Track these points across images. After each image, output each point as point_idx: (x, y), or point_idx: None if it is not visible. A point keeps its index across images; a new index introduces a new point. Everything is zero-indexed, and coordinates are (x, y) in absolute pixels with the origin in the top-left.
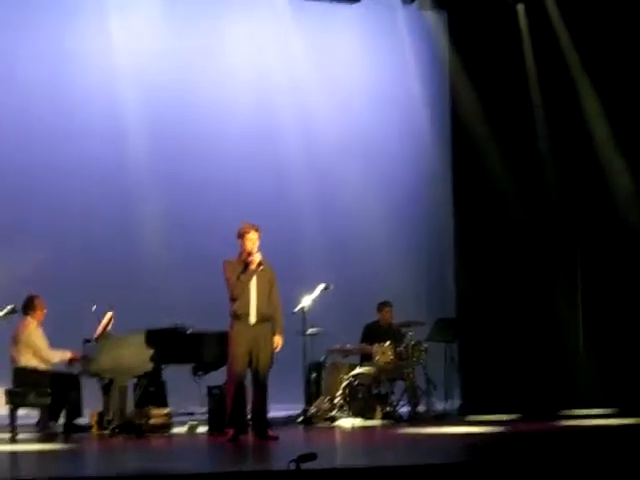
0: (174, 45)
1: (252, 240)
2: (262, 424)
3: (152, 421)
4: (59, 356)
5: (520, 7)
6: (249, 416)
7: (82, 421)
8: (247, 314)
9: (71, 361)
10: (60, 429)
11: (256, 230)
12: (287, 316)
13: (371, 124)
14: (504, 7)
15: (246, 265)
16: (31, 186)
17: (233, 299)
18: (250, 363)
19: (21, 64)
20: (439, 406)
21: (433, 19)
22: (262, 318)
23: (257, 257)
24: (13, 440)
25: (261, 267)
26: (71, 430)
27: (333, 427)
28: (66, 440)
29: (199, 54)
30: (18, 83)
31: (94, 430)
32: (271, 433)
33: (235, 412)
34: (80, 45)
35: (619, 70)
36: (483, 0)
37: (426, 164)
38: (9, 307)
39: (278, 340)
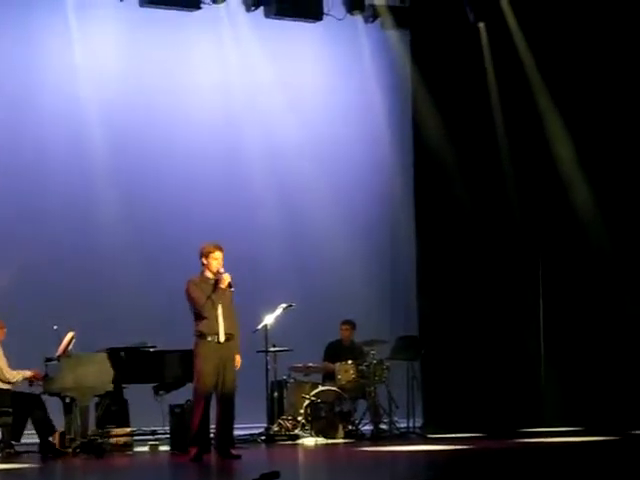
0: (136, 62)
1: (218, 259)
2: (226, 443)
3: (114, 440)
4: (20, 375)
5: (481, 25)
6: (212, 434)
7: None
8: (216, 333)
9: (32, 380)
10: (22, 448)
11: (220, 249)
12: (249, 334)
13: (334, 142)
14: (466, 25)
15: (215, 284)
16: None
17: (200, 318)
18: (216, 382)
19: None
20: (401, 424)
21: (395, 38)
22: (229, 337)
23: (227, 277)
24: None
25: (232, 288)
26: (47, 448)
27: (296, 445)
28: (28, 460)
29: (161, 71)
30: None
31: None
32: (234, 452)
33: (200, 431)
34: (43, 63)
35: (580, 87)
36: (445, 19)
37: (389, 182)
38: None
39: (238, 359)
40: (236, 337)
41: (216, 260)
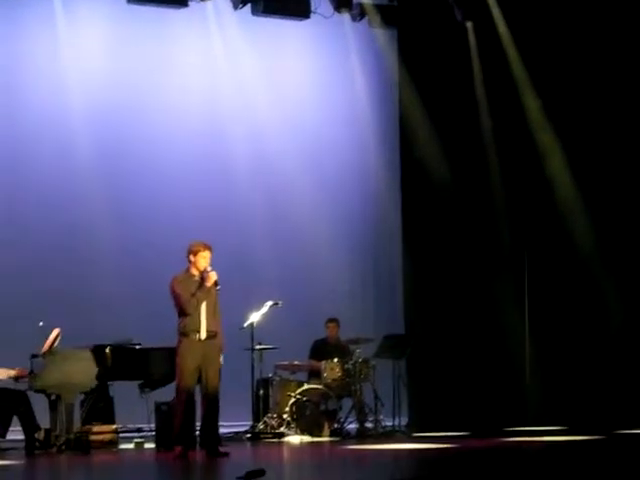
0: (123, 59)
1: (205, 258)
2: (213, 440)
3: (99, 437)
4: (4, 374)
5: (469, 25)
6: (197, 432)
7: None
8: (197, 330)
9: (17, 378)
10: (6, 445)
11: (209, 249)
12: (235, 332)
13: (321, 140)
14: (453, 24)
15: (201, 282)
16: None
17: (183, 315)
18: (199, 379)
19: None
20: (387, 423)
21: (383, 36)
22: (210, 334)
23: (214, 275)
24: None
25: (218, 286)
26: (32, 445)
27: (281, 443)
28: (14, 456)
29: (148, 68)
30: None
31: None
32: (222, 450)
33: (183, 429)
34: (28, 59)
35: (568, 86)
36: (432, 17)
37: (374, 180)
38: None
39: (220, 358)
40: (219, 335)
41: (204, 259)
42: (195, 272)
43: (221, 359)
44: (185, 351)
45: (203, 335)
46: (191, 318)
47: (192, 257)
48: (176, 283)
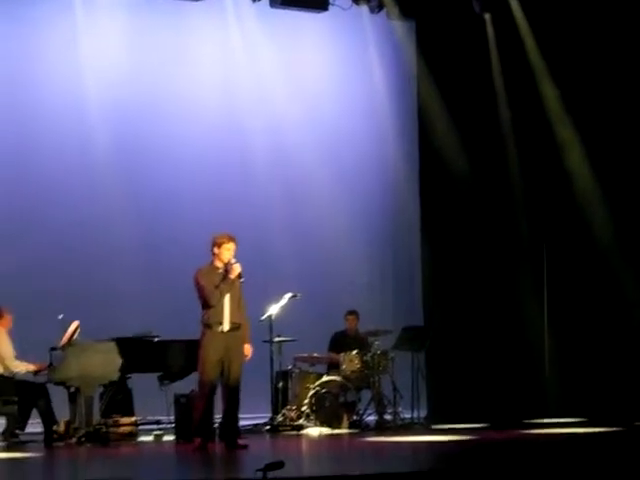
0: (140, 52)
1: (230, 250)
2: (233, 433)
3: (119, 430)
4: (23, 368)
5: (487, 16)
6: (216, 424)
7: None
8: (220, 322)
9: (37, 372)
10: (26, 438)
11: (233, 241)
12: (255, 324)
13: (338, 133)
14: (472, 16)
15: (225, 274)
16: None
17: (208, 307)
18: (222, 371)
19: None
20: (406, 415)
21: (401, 28)
22: (234, 326)
23: (238, 267)
24: None
25: (242, 278)
26: (51, 438)
27: (300, 435)
28: (33, 449)
29: (166, 61)
30: None
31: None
32: (241, 442)
33: (204, 421)
34: (46, 51)
35: (586, 77)
36: (451, 9)
37: (393, 172)
38: None
39: (248, 348)
40: (244, 327)
41: (228, 251)
42: (219, 264)
43: (249, 351)
44: (208, 343)
45: (226, 327)
46: (215, 310)
47: (216, 249)
48: (200, 275)
